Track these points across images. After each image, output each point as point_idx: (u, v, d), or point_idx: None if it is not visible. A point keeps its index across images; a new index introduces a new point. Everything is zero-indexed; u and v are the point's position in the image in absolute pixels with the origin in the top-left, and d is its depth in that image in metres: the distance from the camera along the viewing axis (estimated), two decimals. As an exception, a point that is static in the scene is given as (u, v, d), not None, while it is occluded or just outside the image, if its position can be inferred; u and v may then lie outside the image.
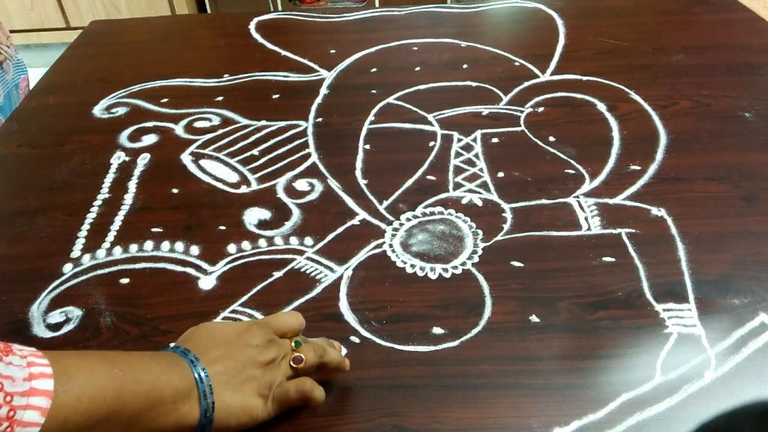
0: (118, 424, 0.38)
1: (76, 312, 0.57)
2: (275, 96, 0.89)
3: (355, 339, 0.53)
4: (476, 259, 0.60)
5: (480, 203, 0.68)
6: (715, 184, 0.69)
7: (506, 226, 0.64)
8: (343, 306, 0.56)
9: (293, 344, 0.46)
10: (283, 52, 1.00)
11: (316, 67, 0.95)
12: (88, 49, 1.06)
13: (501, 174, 0.72)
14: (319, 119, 0.83)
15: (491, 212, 0.66)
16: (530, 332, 0.53)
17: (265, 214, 0.67)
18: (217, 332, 0.45)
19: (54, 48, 2.46)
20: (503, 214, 0.66)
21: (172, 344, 0.45)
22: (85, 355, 0.40)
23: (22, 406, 0.33)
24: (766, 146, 0.75)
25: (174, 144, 0.79)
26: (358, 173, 0.73)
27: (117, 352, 0.42)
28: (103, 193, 0.71)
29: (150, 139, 0.80)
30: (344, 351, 0.51)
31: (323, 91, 0.89)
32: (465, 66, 0.94)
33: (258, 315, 0.55)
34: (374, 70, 0.94)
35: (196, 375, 0.41)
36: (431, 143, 0.77)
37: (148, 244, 0.64)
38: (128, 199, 0.70)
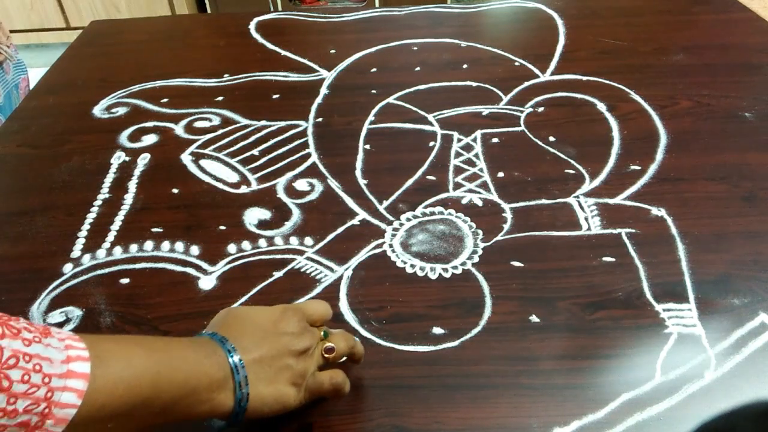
0: (153, 410, 0.38)
1: (76, 312, 0.57)
2: (275, 96, 0.89)
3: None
4: (476, 259, 0.60)
5: (480, 203, 0.68)
6: (715, 184, 0.69)
7: (506, 226, 0.64)
8: (343, 306, 0.56)
9: (322, 333, 0.46)
10: (283, 52, 1.00)
11: (316, 67, 0.95)
12: (88, 49, 1.06)
13: (501, 174, 0.72)
14: (319, 119, 0.83)
15: (491, 212, 0.66)
16: (530, 332, 0.53)
17: (265, 214, 0.67)
18: (252, 318, 0.45)
19: (54, 48, 2.46)
20: (503, 214, 0.66)
21: (206, 330, 0.45)
22: (122, 340, 0.40)
23: (59, 387, 0.33)
24: (766, 146, 0.75)
25: (174, 144, 0.79)
26: (358, 173, 0.73)
27: (154, 338, 0.42)
28: (103, 193, 0.71)
29: (150, 139, 0.80)
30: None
31: (323, 91, 0.89)
32: (465, 66, 0.94)
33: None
34: (374, 70, 0.94)
35: (232, 365, 0.41)
36: (431, 143, 0.77)
37: (148, 244, 0.64)
38: (128, 199, 0.70)
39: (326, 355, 0.45)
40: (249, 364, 0.42)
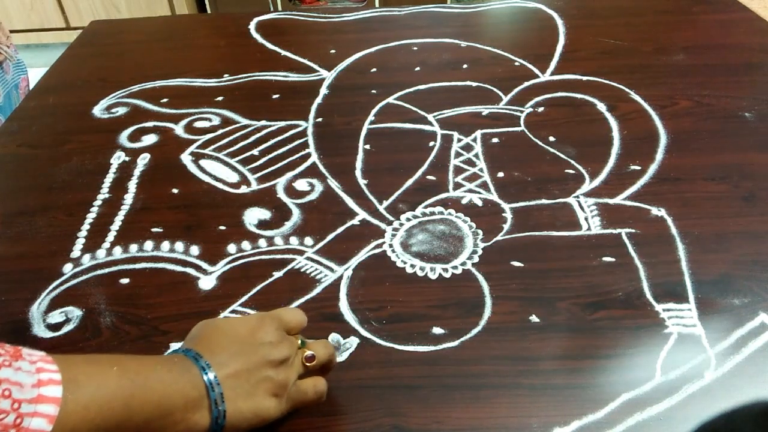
0: None
1: (76, 312, 0.57)
2: (275, 96, 0.89)
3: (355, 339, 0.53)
4: (476, 259, 0.60)
5: (480, 203, 0.68)
6: (715, 184, 0.69)
7: (506, 226, 0.64)
8: (343, 306, 0.56)
9: (299, 342, 0.46)
10: (283, 52, 1.00)
11: (316, 67, 0.95)
12: (88, 49, 1.06)
13: (501, 174, 0.72)
14: (319, 119, 0.83)
15: (491, 212, 0.66)
16: (530, 332, 0.53)
17: (265, 214, 0.67)
18: (228, 329, 0.44)
19: (54, 48, 2.46)
20: (503, 214, 0.66)
21: (175, 344, 0.44)
22: (95, 361, 0.39)
23: (29, 413, 0.33)
24: (766, 146, 0.75)
25: (174, 144, 0.79)
26: (358, 173, 0.73)
27: (128, 357, 0.41)
28: (103, 193, 0.71)
29: (150, 139, 0.80)
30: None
31: (323, 91, 0.89)
32: (465, 66, 0.94)
33: (258, 315, 0.55)
34: (374, 70, 0.94)
35: (207, 383, 0.40)
36: (431, 143, 0.77)
37: (148, 244, 0.64)
38: (128, 199, 0.70)
39: (307, 364, 0.44)
40: (225, 379, 0.41)
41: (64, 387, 0.35)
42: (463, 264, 0.60)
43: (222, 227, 0.66)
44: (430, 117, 0.82)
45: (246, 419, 0.41)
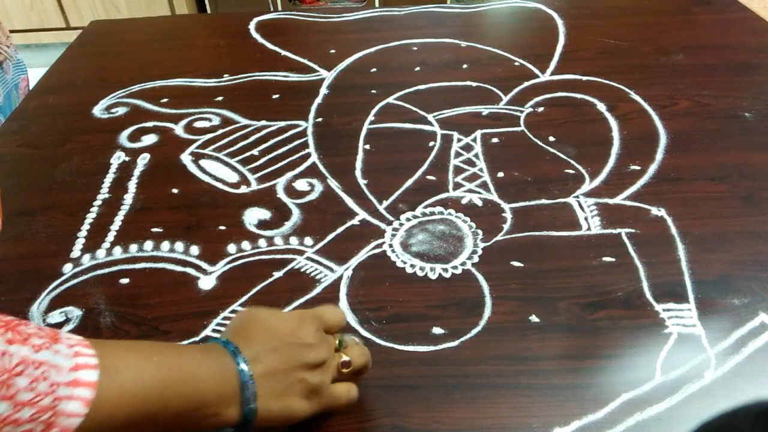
0: (158, 423, 0.38)
1: (76, 312, 0.57)
2: (275, 96, 0.89)
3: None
4: (476, 259, 0.60)
5: (480, 203, 0.68)
6: (715, 184, 0.69)
7: (506, 226, 0.64)
8: (343, 306, 0.56)
9: (337, 343, 0.45)
10: (283, 52, 1.00)
11: (316, 67, 0.95)
12: (88, 49, 1.06)
13: (501, 174, 0.72)
14: (319, 119, 0.83)
15: (491, 212, 0.66)
16: (530, 332, 0.53)
17: (265, 214, 0.67)
18: (269, 325, 0.44)
19: (54, 48, 2.47)
20: (503, 214, 0.66)
21: (223, 335, 0.44)
22: (133, 347, 0.39)
23: (66, 396, 0.33)
24: (766, 146, 0.75)
25: (174, 144, 0.79)
26: (358, 173, 0.73)
27: (166, 347, 0.41)
28: (103, 193, 0.71)
29: (150, 139, 0.80)
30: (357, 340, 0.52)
31: (323, 91, 0.89)
32: (465, 66, 0.94)
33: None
34: (374, 70, 0.94)
35: (242, 380, 0.40)
36: (431, 143, 0.77)
37: (148, 244, 0.64)
38: (128, 199, 0.70)
39: (343, 370, 0.45)
40: (259, 377, 0.41)
41: (101, 372, 0.35)
42: (463, 264, 0.60)
43: (222, 227, 0.66)
44: (430, 117, 0.82)
45: (275, 418, 0.42)
